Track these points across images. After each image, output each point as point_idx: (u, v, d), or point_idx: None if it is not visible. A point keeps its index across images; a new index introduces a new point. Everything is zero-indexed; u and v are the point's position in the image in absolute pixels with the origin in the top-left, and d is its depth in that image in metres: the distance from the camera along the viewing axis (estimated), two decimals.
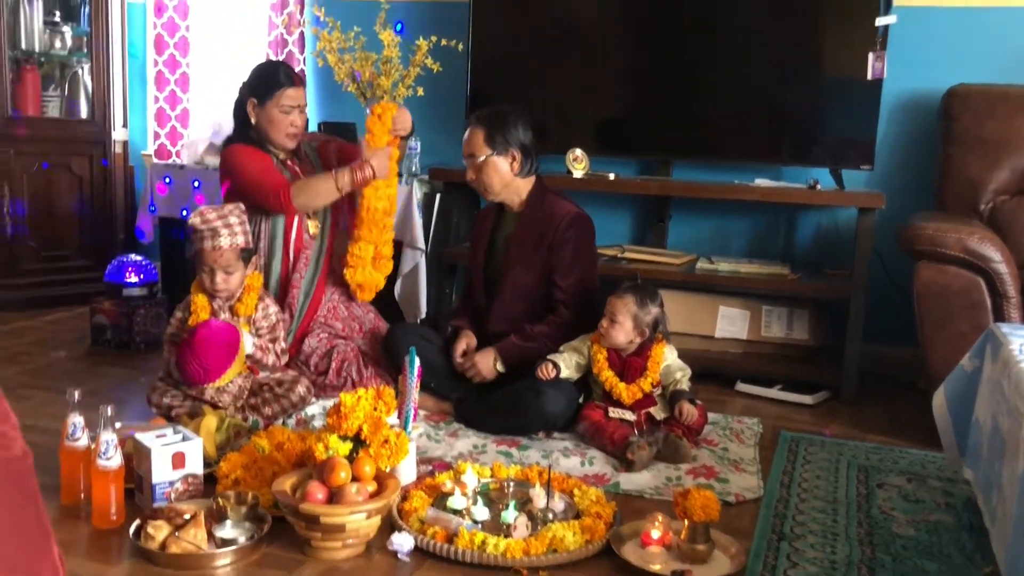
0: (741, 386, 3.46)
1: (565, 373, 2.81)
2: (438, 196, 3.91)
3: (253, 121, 3.13)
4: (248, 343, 2.76)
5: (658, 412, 2.79)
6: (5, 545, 0.61)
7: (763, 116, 3.74)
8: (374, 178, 3.05)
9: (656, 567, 1.96)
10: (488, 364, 2.93)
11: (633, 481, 2.48)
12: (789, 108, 3.71)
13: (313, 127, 4.12)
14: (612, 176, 3.77)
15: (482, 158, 2.96)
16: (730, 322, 3.60)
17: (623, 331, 2.78)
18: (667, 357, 2.82)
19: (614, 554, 2.01)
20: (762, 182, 3.64)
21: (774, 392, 3.39)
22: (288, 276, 3.14)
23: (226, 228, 2.73)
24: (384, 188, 3.11)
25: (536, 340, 2.92)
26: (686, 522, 2.01)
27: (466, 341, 3.02)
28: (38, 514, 0.65)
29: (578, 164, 3.78)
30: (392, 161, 3.12)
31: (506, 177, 2.97)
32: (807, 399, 3.33)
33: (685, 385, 2.80)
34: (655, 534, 2.05)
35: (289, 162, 3.20)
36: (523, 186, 3.01)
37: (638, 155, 4.02)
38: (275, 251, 3.12)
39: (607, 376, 2.78)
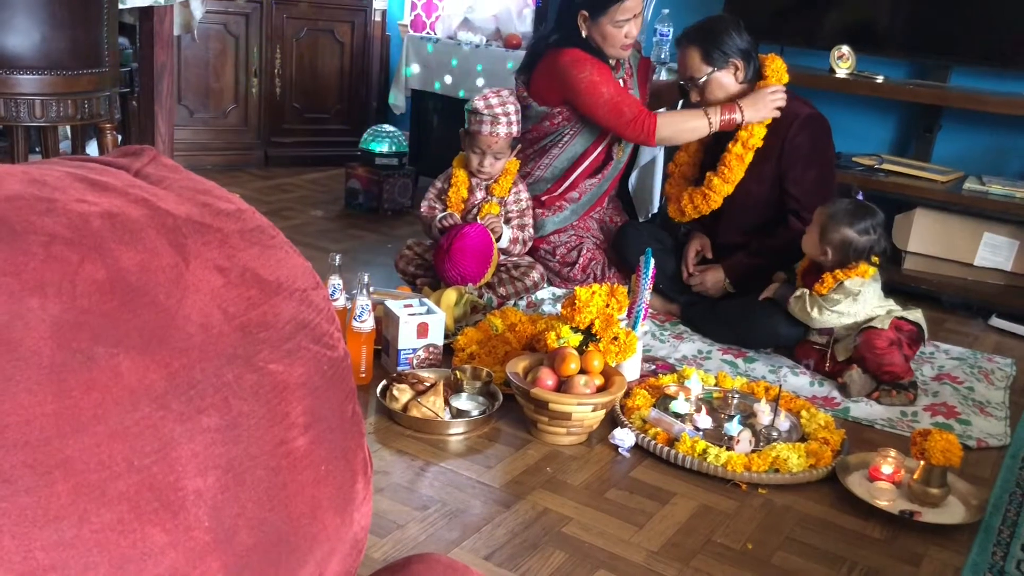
0: (996, 321, 3.18)
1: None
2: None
3: (584, 34, 2.93)
4: (505, 238, 2.86)
5: (841, 351, 2.53)
6: (332, 435, 0.69)
7: None
8: (741, 125, 2.81)
9: (883, 503, 1.90)
10: (717, 282, 2.87)
11: (864, 410, 2.38)
12: None
13: None
14: (880, 79, 3.47)
15: (703, 78, 2.80)
16: (994, 251, 3.29)
17: (809, 240, 2.54)
18: (846, 286, 2.46)
19: (838, 483, 1.97)
20: None
21: None
22: (564, 190, 3.09)
23: (504, 116, 2.82)
24: (759, 129, 2.80)
25: (766, 257, 2.81)
26: (922, 463, 1.92)
27: (699, 242, 2.96)
28: (354, 409, 0.72)
29: (843, 63, 3.50)
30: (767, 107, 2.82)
31: (732, 89, 2.82)
32: None
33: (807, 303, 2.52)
34: (886, 469, 1.98)
35: (619, 72, 3.03)
36: (749, 92, 2.84)
37: (912, 57, 3.66)
38: (565, 162, 3.06)
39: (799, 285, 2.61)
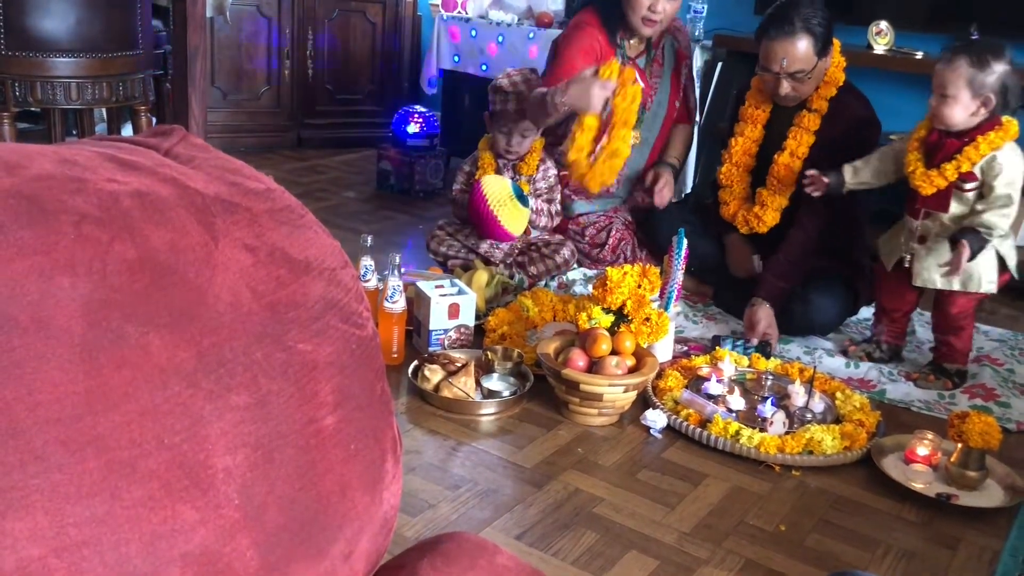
0: None
1: (857, 176, 2.40)
2: (719, 65, 3.73)
3: None
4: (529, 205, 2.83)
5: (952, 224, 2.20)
6: (361, 413, 0.69)
7: None
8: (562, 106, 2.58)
9: (918, 486, 1.88)
10: (766, 317, 2.55)
11: (900, 391, 2.35)
12: None
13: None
14: (919, 55, 3.40)
15: (811, 71, 2.53)
16: None
17: (959, 106, 2.11)
18: (1003, 157, 2.12)
19: (873, 465, 1.95)
20: None
21: None
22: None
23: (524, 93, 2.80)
24: (807, 137, 2.61)
25: (790, 279, 2.57)
26: (959, 445, 1.89)
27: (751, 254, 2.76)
28: (383, 388, 0.72)
29: (881, 38, 3.43)
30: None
31: (820, 81, 2.61)
32: None
33: (988, 220, 2.12)
34: (922, 451, 1.95)
35: (632, 61, 2.92)
36: None
37: (954, 31, 3.55)
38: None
39: (912, 159, 2.23)
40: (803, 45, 2.50)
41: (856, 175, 2.39)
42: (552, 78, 2.74)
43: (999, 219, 2.14)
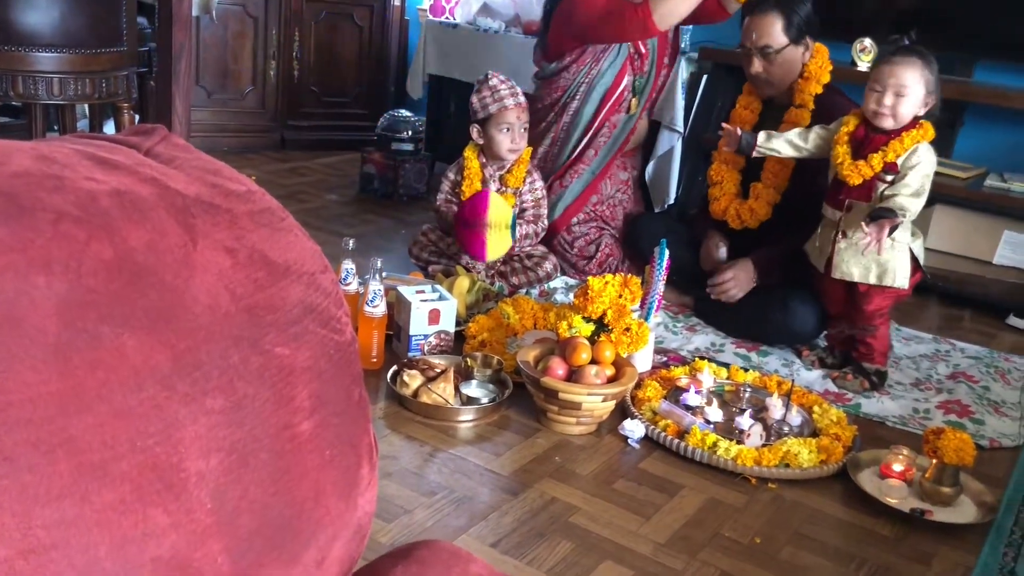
0: (1014, 320, 3.15)
1: (769, 142, 2.52)
2: (704, 77, 3.74)
3: None
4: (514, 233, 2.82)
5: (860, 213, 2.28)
6: (338, 419, 0.68)
7: None
8: None
9: (893, 501, 1.89)
10: (749, 277, 2.69)
11: (876, 406, 2.37)
12: None
13: None
14: None
15: (779, 49, 2.63)
16: (1013, 249, 3.25)
17: (913, 102, 2.22)
18: (922, 151, 2.26)
19: (849, 479, 1.96)
20: None
21: None
22: (582, 150, 3.09)
23: (515, 88, 2.85)
24: None
25: (774, 258, 2.70)
26: (934, 461, 1.91)
27: (720, 240, 2.81)
28: (361, 394, 0.72)
29: (865, 55, 3.46)
30: None
31: (796, 70, 2.69)
32: None
33: (901, 203, 2.21)
34: (897, 467, 1.96)
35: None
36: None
37: (936, 50, 3.57)
38: (581, 120, 3.06)
39: (840, 151, 2.32)
40: (773, 21, 2.63)
41: (768, 140, 2.54)
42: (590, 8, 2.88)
43: (911, 203, 2.24)
